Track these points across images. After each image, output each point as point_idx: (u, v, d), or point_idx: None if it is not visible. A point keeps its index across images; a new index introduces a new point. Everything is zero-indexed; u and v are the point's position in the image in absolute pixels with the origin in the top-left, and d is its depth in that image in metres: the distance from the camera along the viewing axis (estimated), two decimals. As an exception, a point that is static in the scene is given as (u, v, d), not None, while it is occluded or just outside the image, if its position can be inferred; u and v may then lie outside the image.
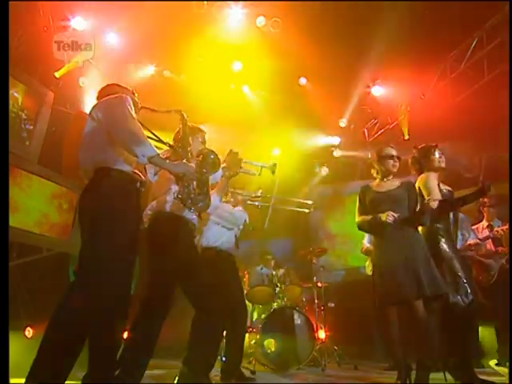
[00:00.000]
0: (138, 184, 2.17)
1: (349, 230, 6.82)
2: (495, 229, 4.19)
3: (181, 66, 5.91)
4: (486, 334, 4.20)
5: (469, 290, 2.83)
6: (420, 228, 3.07)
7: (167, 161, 2.25)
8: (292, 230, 7.75)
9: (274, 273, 4.73)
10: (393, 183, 3.08)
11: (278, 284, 4.50)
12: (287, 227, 7.65)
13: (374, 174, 3.24)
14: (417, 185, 3.20)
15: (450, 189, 3.26)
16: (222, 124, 6.60)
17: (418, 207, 3.02)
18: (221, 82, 6.06)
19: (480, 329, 4.28)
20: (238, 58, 5.84)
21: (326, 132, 7.54)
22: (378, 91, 6.60)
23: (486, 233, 4.33)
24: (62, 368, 1.79)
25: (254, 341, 4.13)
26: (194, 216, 2.65)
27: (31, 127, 4.72)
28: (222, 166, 2.69)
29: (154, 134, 2.38)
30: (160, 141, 2.40)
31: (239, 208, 3.43)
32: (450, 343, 2.89)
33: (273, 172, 2.91)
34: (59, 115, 5.11)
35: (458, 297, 2.82)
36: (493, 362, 4.02)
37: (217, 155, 2.47)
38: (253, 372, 3.75)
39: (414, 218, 2.93)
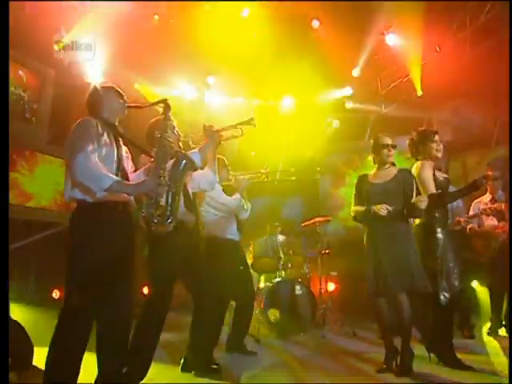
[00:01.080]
0: (116, 208, 2.17)
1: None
2: (486, 207, 4.17)
3: (189, 15, 5.73)
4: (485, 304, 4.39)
5: (457, 282, 2.94)
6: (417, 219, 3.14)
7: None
8: (302, 190, 7.81)
9: (278, 243, 4.91)
10: (389, 173, 3.09)
11: (282, 256, 4.70)
12: (298, 186, 7.75)
13: (371, 163, 3.25)
14: (414, 172, 3.20)
15: (446, 176, 3.24)
16: (232, 72, 6.55)
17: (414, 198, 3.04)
18: (230, 28, 5.88)
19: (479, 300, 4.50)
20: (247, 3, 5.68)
21: (339, 82, 7.34)
22: (391, 40, 6.31)
23: (489, 205, 4.34)
24: None
25: (258, 310, 4.42)
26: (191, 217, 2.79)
27: (35, 106, 4.78)
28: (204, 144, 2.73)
29: (134, 144, 2.41)
30: (142, 150, 2.43)
31: (236, 196, 3.49)
32: (433, 327, 3.08)
33: (253, 125, 2.87)
34: (63, 90, 5.13)
35: (447, 287, 2.93)
36: (486, 329, 4.25)
37: (190, 159, 2.39)
38: (257, 340, 4.07)
39: (408, 210, 2.96)
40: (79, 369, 2.05)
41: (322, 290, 4.81)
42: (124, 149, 2.36)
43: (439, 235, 3.02)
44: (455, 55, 6.24)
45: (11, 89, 4.41)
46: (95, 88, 2.34)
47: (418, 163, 3.20)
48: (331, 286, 5.44)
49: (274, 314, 4.35)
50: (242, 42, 6.00)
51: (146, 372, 2.49)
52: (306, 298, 4.47)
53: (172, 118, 2.38)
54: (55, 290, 5.43)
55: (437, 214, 3.07)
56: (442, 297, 2.93)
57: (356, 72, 7.01)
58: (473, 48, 6.07)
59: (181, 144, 2.91)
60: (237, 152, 7.49)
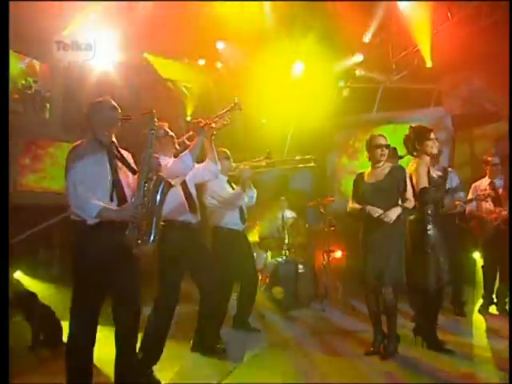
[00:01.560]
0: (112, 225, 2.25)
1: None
2: (480, 192, 4.28)
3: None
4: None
5: (445, 276, 3.17)
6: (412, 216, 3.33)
7: None
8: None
9: (284, 222, 5.17)
10: (383, 171, 3.25)
11: (287, 236, 4.97)
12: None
13: (367, 160, 3.39)
14: (409, 169, 3.35)
15: (440, 174, 3.38)
16: (242, 39, 6.55)
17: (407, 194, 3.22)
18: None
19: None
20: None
21: (350, 48, 7.23)
22: (403, 4, 6.09)
23: (488, 189, 4.45)
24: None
25: (263, 287, 4.78)
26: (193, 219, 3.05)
27: (48, 93, 4.96)
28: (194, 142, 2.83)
29: (127, 165, 2.47)
30: (133, 171, 2.52)
31: (237, 191, 3.68)
32: (421, 313, 3.36)
33: (240, 109, 2.91)
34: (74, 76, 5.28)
35: (436, 280, 3.17)
36: (476, 307, 4.52)
37: (168, 182, 2.42)
38: (262, 316, 4.45)
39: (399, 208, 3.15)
40: None
41: (325, 263, 5.11)
42: (123, 168, 2.43)
43: (430, 232, 3.22)
44: (466, 25, 6.06)
45: (25, 80, 4.60)
46: (88, 106, 2.48)
47: (416, 161, 3.34)
48: (338, 253, 5.71)
49: (277, 292, 4.70)
50: (253, 9, 5.98)
51: (159, 357, 2.86)
52: (308, 277, 4.81)
53: (155, 127, 2.42)
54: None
55: (429, 211, 3.24)
56: (431, 288, 3.18)
57: (367, 38, 6.86)
58: (486, 19, 5.87)
59: (177, 145, 3.07)
60: (249, 119, 7.63)
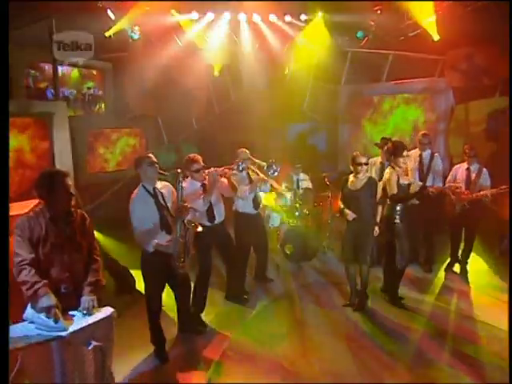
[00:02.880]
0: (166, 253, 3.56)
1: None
2: (449, 184, 5.30)
3: None
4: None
5: (407, 255, 4.45)
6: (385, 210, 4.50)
7: None
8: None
9: (297, 192, 6.40)
10: (361, 181, 4.37)
11: (298, 205, 6.24)
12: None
13: (351, 167, 4.47)
14: (384, 176, 4.45)
15: (407, 182, 4.45)
16: None
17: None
18: None
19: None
20: None
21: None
22: None
23: (464, 174, 5.43)
24: None
25: (279, 244, 6.20)
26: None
27: (100, 92, 6.04)
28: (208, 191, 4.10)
29: (167, 209, 3.81)
30: (171, 216, 3.82)
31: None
32: (388, 278, 4.73)
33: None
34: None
35: (400, 258, 4.44)
36: (443, 268, 5.78)
37: (193, 223, 3.61)
38: (277, 265, 5.94)
39: (371, 210, 4.34)
40: None
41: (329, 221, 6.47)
42: (167, 203, 3.61)
43: (398, 224, 4.43)
44: (468, 5, 6.42)
45: (87, 85, 5.66)
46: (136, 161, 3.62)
47: (388, 171, 4.42)
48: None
49: (289, 249, 6.10)
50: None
51: (204, 308, 4.38)
52: (315, 237, 6.16)
53: (182, 182, 3.63)
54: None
55: (398, 208, 4.42)
56: (398, 265, 4.48)
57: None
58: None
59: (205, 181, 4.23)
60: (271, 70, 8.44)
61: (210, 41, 7.82)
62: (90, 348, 2.38)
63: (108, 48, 6.45)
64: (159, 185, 3.68)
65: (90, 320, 2.50)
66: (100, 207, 6.16)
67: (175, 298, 3.96)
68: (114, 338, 2.62)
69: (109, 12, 6.19)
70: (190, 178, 4.19)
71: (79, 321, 2.52)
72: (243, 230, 5.00)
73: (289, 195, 6.34)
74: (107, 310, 2.63)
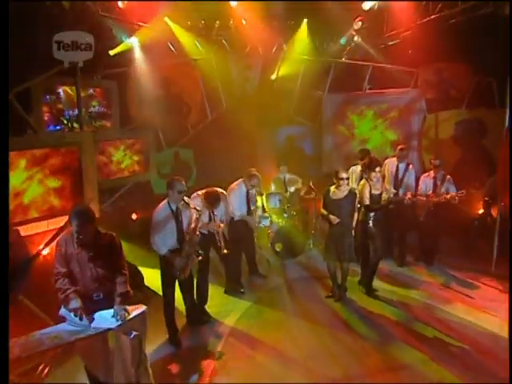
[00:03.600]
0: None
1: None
2: (408, 197, 6.06)
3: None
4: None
5: (379, 253, 5.27)
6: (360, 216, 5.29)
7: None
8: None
9: (285, 195, 7.15)
10: (343, 193, 5.12)
11: (287, 207, 7.00)
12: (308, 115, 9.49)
13: (334, 180, 5.21)
14: (359, 188, 5.25)
15: (378, 192, 5.25)
16: None
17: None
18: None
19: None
20: None
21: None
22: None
23: (431, 182, 6.25)
24: None
25: (270, 243, 6.97)
26: None
27: (108, 111, 6.63)
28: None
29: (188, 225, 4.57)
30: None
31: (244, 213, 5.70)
32: (363, 272, 5.57)
33: None
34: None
35: (374, 255, 5.27)
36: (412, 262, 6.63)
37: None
38: (268, 262, 6.71)
39: (351, 217, 5.12)
40: None
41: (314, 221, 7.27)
42: (186, 218, 4.41)
43: (371, 227, 5.26)
44: (441, 24, 7.16)
45: (93, 103, 6.25)
46: (169, 182, 4.34)
47: (362, 183, 5.21)
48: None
49: (278, 247, 6.88)
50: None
51: (207, 300, 5.13)
52: (301, 235, 6.94)
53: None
54: (133, 213, 8.10)
55: (371, 214, 5.22)
56: (371, 262, 5.31)
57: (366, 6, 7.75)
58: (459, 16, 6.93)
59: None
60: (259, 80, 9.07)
61: (202, 49, 8.40)
62: (131, 337, 3.11)
63: (110, 64, 7.04)
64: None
65: (130, 316, 3.22)
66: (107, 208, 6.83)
67: (182, 293, 4.70)
68: (146, 329, 3.35)
69: (114, 30, 6.81)
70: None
71: (108, 320, 3.20)
72: (237, 234, 5.74)
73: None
74: (141, 308, 3.34)
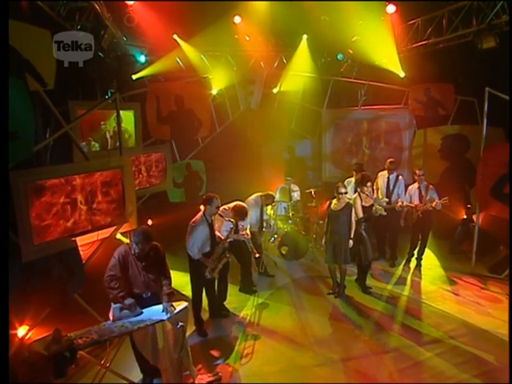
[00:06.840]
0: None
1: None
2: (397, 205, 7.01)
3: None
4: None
5: (370, 257, 6.14)
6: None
7: None
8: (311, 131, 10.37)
9: (289, 204, 8.02)
10: (341, 205, 5.98)
11: (291, 215, 7.88)
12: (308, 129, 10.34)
13: (335, 194, 6.07)
14: (352, 200, 6.12)
15: (369, 204, 6.13)
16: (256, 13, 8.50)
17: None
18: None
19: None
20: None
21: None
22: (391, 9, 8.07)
23: (417, 192, 7.12)
24: None
25: (276, 246, 7.84)
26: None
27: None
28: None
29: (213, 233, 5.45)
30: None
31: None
32: (358, 271, 6.45)
33: None
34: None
35: (366, 258, 6.15)
36: (402, 264, 7.52)
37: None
38: (275, 263, 7.57)
39: (347, 226, 5.99)
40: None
41: (316, 227, 8.14)
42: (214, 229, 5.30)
43: (364, 235, 6.14)
44: (428, 47, 8.06)
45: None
46: (209, 198, 5.18)
47: (355, 195, 6.11)
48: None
49: (284, 250, 7.75)
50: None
51: (226, 297, 5.98)
52: (304, 239, 7.80)
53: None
54: (149, 219, 8.92)
55: (362, 224, 6.11)
56: (363, 263, 6.20)
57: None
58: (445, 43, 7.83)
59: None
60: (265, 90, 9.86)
61: (210, 67, 9.20)
62: (178, 327, 3.96)
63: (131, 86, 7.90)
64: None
65: (176, 310, 4.07)
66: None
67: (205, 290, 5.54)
68: (188, 320, 4.21)
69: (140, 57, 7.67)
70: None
71: (159, 313, 4.02)
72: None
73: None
74: (184, 304, 4.20)
